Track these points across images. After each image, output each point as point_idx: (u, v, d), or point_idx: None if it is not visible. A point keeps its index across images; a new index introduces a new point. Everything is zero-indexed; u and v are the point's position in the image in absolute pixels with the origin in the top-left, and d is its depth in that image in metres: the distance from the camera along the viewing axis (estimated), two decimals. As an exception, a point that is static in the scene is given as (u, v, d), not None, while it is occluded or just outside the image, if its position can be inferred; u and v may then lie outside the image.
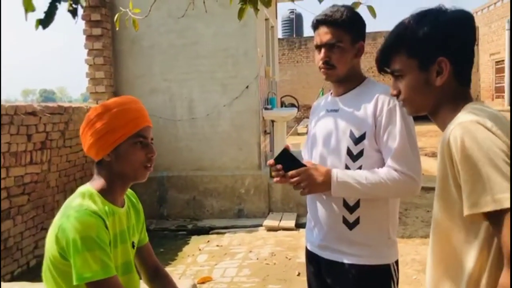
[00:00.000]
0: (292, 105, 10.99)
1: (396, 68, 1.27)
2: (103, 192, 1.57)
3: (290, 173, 1.77)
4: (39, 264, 4.67)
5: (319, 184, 1.77)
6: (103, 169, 1.58)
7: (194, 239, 5.72)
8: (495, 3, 18.57)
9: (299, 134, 16.06)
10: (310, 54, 20.72)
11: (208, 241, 5.57)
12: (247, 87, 6.37)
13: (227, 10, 5.44)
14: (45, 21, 1.38)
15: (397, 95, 1.31)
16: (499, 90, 18.53)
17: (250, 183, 6.41)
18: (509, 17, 16.71)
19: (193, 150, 6.52)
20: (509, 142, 1.10)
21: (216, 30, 6.31)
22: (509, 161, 1.05)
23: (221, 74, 6.42)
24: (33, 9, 1.28)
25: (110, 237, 1.51)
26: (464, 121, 1.12)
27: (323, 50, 1.84)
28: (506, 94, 17.30)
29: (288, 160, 1.79)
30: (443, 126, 1.24)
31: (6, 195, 4.21)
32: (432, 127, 15.69)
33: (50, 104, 4.93)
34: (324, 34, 1.83)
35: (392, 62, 1.28)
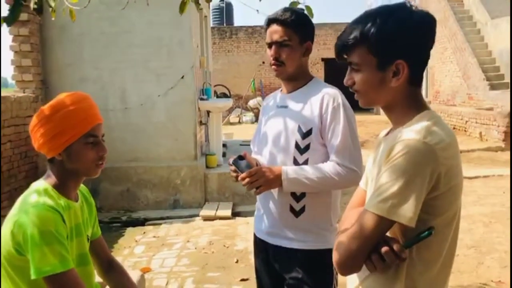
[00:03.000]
0: (224, 95, 11.06)
1: (355, 61, 1.27)
2: (57, 187, 1.59)
3: (241, 176, 1.90)
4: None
5: (271, 182, 1.91)
6: (55, 166, 1.60)
7: (130, 230, 5.66)
8: (414, 0, 19.66)
9: (231, 124, 16.20)
10: (241, 44, 20.84)
11: (144, 233, 5.55)
12: (182, 77, 6.36)
13: (162, -1, 5.40)
14: (10, 19, 1.36)
15: (351, 85, 1.32)
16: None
17: (186, 173, 6.43)
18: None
19: (126, 141, 6.42)
20: (451, 162, 1.19)
21: (150, 19, 6.23)
22: (424, 188, 1.14)
23: (156, 64, 6.35)
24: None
25: (67, 231, 1.53)
26: (412, 138, 1.17)
27: (273, 48, 1.98)
28: (424, 86, 18.46)
29: (243, 165, 1.92)
30: (395, 122, 1.33)
31: None
32: (369, 117, 16.45)
33: (-25, 94, 4.65)
34: (274, 33, 1.97)
35: (352, 54, 1.28)
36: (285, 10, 2.00)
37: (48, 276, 1.42)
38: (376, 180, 1.21)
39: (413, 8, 1.27)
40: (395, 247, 1.16)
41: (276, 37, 1.97)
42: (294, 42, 1.96)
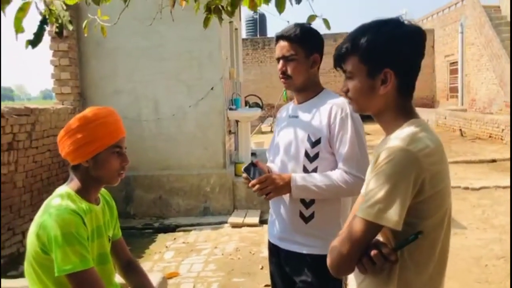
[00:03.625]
0: (257, 104, 11.21)
1: (348, 69, 1.37)
2: (79, 192, 1.74)
3: (251, 183, 2.03)
4: (7, 264, 4.74)
5: (281, 189, 2.03)
6: (79, 172, 1.75)
7: (161, 237, 5.86)
8: (449, 7, 19.36)
9: (263, 133, 16.33)
10: (273, 54, 20.52)
11: (175, 239, 5.73)
12: (212, 88, 6.55)
13: (191, 13, 5.58)
14: (34, 42, 1.54)
15: (346, 92, 1.41)
16: (453, 90, 19.35)
17: (215, 181, 6.60)
18: (462, 20, 17.49)
19: (159, 150, 6.65)
20: (436, 168, 1.25)
21: (181, 33, 6.46)
22: (409, 193, 1.21)
23: (186, 76, 6.57)
24: (22, 31, 1.44)
25: (88, 233, 1.68)
26: (396, 145, 1.24)
27: (281, 62, 2.11)
28: (459, 94, 18.09)
29: (255, 171, 2.04)
30: (385, 130, 1.40)
31: (-27, 196, 4.25)
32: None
33: (17, 106, 4.97)
34: (281, 48, 2.10)
35: (346, 63, 1.37)
36: (291, 27, 2.11)
37: (70, 273, 1.56)
38: (365, 186, 1.30)
39: (405, 22, 1.35)
40: (383, 250, 1.24)
41: (282, 52, 2.09)
42: (300, 56, 2.07)
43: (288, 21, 3.41)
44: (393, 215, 1.20)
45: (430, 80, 21.07)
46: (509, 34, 14.18)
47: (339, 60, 1.40)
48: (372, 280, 1.35)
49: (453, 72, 19.10)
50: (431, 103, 20.89)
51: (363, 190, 1.58)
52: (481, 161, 9.79)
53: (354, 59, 1.35)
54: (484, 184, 7.60)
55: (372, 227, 1.24)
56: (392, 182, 1.21)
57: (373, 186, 1.24)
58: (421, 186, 1.23)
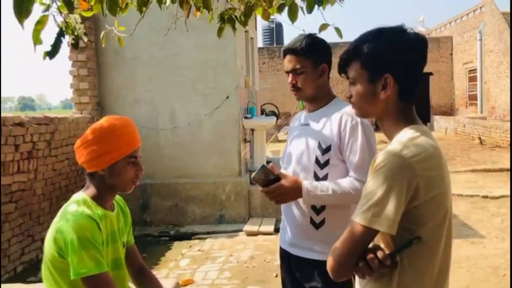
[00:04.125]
0: (273, 113, 11.25)
1: (351, 75, 1.41)
2: (95, 198, 1.79)
3: (263, 190, 2.06)
4: (26, 270, 4.83)
5: (291, 197, 2.06)
6: (95, 179, 1.80)
7: (177, 244, 5.91)
8: (467, 14, 19.19)
9: (279, 141, 16.33)
10: None
11: (190, 246, 5.77)
12: (227, 97, 6.61)
13: (207, 23, 5.68)
14: (52, 53, 1.60)
15: (349, 98, 1.45)
16: (472, 97, 19.12)
17: (230, 189, 6.63)
18: (480, 27, 17.32)
19: (175, 158, 6.72)
20: (431, 173, 1.27)
21: (197, 43, 6.55)
22: (402, 198, 1.23)
23: (202, 85, 6.65)
24: (40, 42, 1.50)
25: (103, 238, 1.72)
26: (391, 150, 1.28)
27: (290, 75, 2.15)
28: (479, 102, 17.86)
29: (266, 176, 2.04)
30: (387, 135, 1.42)
31: (-6, 203, 4.36)
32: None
33: (37, 115, 5.09)
34: (288, 62, 2.15)
35: (349, 69, 1.41)
36: (296, 40, 2.14)
37: (85, 277, 1.60)
38: (364, 187, 1.32)
39: (408, 30, 1.38)
40: (379, 254, 1.25)
41: (290, 66, 2.14)
42: (308, 68, 2.11)
43: (303, 30, 3.43)
44: (387, 220, 1.23)
45: (449, 88, 20.85)
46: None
47: (343, 66, 1.44)
48: (373, 286, 1.36)
49: (472, 79, 18.89)
50: (449, 111, 20.66)
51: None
52: (501, 170, 9.64)
53: (356, 65, 1.39)
54: (503, 193, 7.48)
55: (367, 231, 1.25)
56: (386, 187, 1.23)
57: (369, 190, 1.27)
58: (415, 191, 1.25)
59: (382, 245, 1.33)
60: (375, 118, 1.44)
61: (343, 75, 1.46)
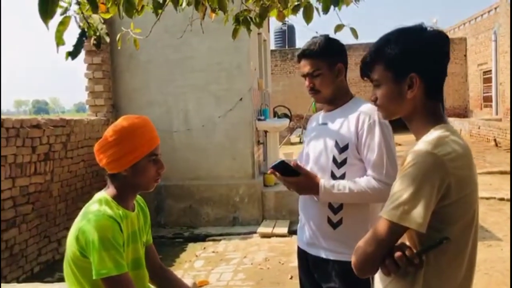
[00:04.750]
0: (285, 115, 11.25)
1: (375, 77, 1.40)
2: (116, 198, 1.80)
3: (280, 178, 2.06)
4: (43, 271, 4.88)
5: (307, 193, 2.09)
6: (117, 180, 1.80)
7: (191, 246, 5.93)
8: (482, 15, 19.01)
9: (292, 144, 16.32)
10: None
11: (205, 248, 5.78)
12: (240, 99, 6.62)
13: (221, 25, 5.73)
14: (74, 53, 1.62)
15: (375, 101, 1.44)
16: (487, 99, 18.91)
17: (244, 191, 6.64)
18: (495, 28, 17.13)
19: (189, 160, 6.75)
20: (462, 172, 1.26)
21: (210, 45, 6.58)
22: (433, 196, 1.22)
23: (216, 87, 6.68)
24: (63, 43, 1.52)
25: (124, 238, 1.73)
26: (422, 149, 1.26)
27: (307, 79, 2.15)
28: (494, 104, 17.66)
29: (284, 169, 2.05)
30: (415, 134, 1.41)
31: (12, 204, 4.42)
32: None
33: (54, 117, 5.16)
34: (304, 66, 2.15)
35: (372, 71, 1.41)
36: (310, 43, 2.14)
37: (104, 277, 1.62)
38: (391, 188, 1.32)
39: (428, 28, 1.37)
40: (407, 252, 1.24)
41: (306, 69, 2.14)
42: (324, 70, 2.11)
43: (316, 32, 3.42)
44: (417, 217, 1.21)
45: (463, 90, 20.65)
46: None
47: (366, 70, 1.44)
48: (396, 285, 1.35)
49: (487, 81, 18.69)
50: (464, 113, 20.46)
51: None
52: (517, 172, 9.50)
53: (379, 67, 1.39)
54: (520, 195, 7.37)
55: (396, 229, 1.24)
56: (417, 184, 1.22)
57: (398, 188, 1.25)
58: (447, 190, 1.24)
59: (407, 243, 1.32)
60: (403, 119, 1.43)
61: (365, 78, 1.46)
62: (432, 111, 1.38)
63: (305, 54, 2.13)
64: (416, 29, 1.37)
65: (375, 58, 1.40)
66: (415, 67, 1.33)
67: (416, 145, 1.31)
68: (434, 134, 1.32)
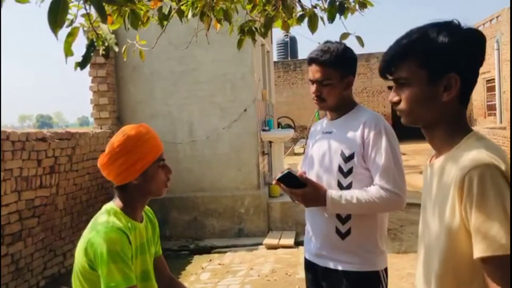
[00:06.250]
0: (289, 126, 11.26)
1: (403, 75, 1.22)
2: (125, 209, 1.78)
3: (285, 190, 2.04)
4: (48, 284, 4.84)
5: (314, 205, 2.05)
6: (126, 190, 1.78)
7: (197, 258, 5.89)
8: (483, 24, 19.05)
9: (296, 154, 16.29)
10: (304, 76, 21.11)
11: (210, 260, 5.74)
12: (245, 110, 6.62)
13: (225, 37, 5.76)
14: (82, 63, 1.62)
15: (396, 103, 1.26)
16: (490, 108, 18.88)
17: (249, 203, 6.61)
18: (497, 37, 17.16)
19: (193, 172, 6.73)
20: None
21: (214, 57, 6.60)
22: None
23: (220, 98, 6.68)
24: (72, 54, 1.52)
25: (132, 251, 1.71)
26: (481, 163, 1.10)
27: (315, 85, 2.10)
28: (498, 112, 17.62)
29: (290, 180, 2.02)
30: (437, 144, 1.27)
31: (18, 218, 4.41)
32: (426, 146, 15.89)
33: (59, 130, 5.16)
34: (315, 72, 2.08)
35: (399, 69, 1.23)
36: (325, 49, 2.07)
37: None
38: (472, 222, 1.11)
39: (462, 25, 1.22)
40: None
41: (317, 76, 2.07)
42: (335, 80, 2.06)
43: (319, 42, 3.43)
44: None
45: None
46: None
47: (389, 67, 1.26)
48: None
49: (490, 89, 18.66)
50: (468, 122, 20.39)
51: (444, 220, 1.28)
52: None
53: (410, 63, 1.21)
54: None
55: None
56: (500, 205, 1.07)
57: (484, 218, 1.08)
58: None
59: None
60: (424, 125, 1.28)
61: (386, 76, 1.29)
62: (461, 117, 1.25)
63: (318, 60, 2.06)
64: (453, 25, 1.21)
65: (407, 53, 1.21)
66: (455, 67, 1.18)
67: (467, 160, 1.13)
68: (476, 144, 1.18)
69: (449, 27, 1.20)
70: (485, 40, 1.22)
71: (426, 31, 1.21)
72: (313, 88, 2.11)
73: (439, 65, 1.19)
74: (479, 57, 1.21)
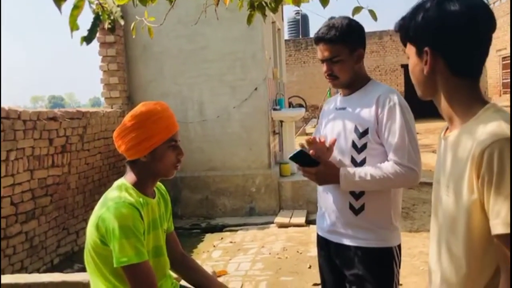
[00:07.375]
0: (300, 106, 11.18)
1: (406, 51, 1.32)
2: (136, 185, 1.77)
3: (299, 168, 2.03)
4: (62, 262, 4.91)
5: (327, 182, 2.04)
6: (136, 167, 1.78)
7: (208, 236, 5.93)
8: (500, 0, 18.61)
9: (307, 134, 16.22)
10: (316, 54, 20.61)
11: (222, 238, 5.77)
12: (255, 89, 6.57)
13: (234, 14, 5.68)
14: (89, 38, 1.59)
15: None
16: (506, 85, 18.56)
17: (260, 182, 6.61)
18: (514, 13, 16.75)
19: (204, 151, 6.73)
20: None
21: (224, 35, 6.52)
22: None
23: (230, 77, 6.63)
24: (77, 28, 1.49)
25: (144, 226, 1.71)
26: (501, 137, 1.07)
27: (325, 64, 2.06)
28: (513, 90, 17.31)
29: (303, 158, 2.00)
30: (446, 116, 1.27)
31: (31, 197, 4.45)
32: (440, 124, 15.79)
33: (70, 110, 5.17)
34: (323, 51, 2.04)
35: (407, 42, 1.31)
36: (330, 26, 2.02)
37: (125, 265, 1.60)
38: (491, 198, 1.08)
39: None
40: None
41: (326, 54, 2.03)
42: (344, 55, 2.02)
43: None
44: None
45: (481, 76, 20.27)
46: None
47: (404, 40, 1.33)
48: None
49: (506, 67, 18.32)
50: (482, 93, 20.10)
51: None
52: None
53: (406, 39, 1.31)
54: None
55: None
56: None
57: (503, 197, 1.05)
58: None
59: None
60: (437, 101, 1.29)
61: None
62: (468, 90, 1.23)
63: (324, 38, 2.02)
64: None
65: (401, 27, 1.30)
66: (431, 41, 1.21)
67: (485, 133, 1.10)
68: (494, 116, 1.14)
69: (442, 3, 1.20)
70: (482, 10, 1.19)
71: (418, 8, 1.25)
72: (324, 67, 2.08)
73: (419, 40, 1.25)
74: (465, 29, 1.18)
